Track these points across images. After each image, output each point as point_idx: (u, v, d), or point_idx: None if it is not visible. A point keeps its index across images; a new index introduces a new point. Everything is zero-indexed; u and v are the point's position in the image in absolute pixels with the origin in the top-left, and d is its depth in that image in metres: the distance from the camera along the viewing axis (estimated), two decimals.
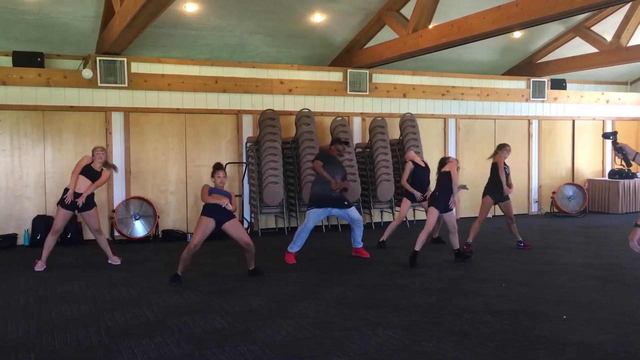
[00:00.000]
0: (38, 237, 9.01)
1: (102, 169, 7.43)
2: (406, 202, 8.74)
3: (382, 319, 5.09)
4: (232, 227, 6.54)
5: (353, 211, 7.71)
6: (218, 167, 6.71)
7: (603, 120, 13.50)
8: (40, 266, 7.28)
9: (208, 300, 5.80)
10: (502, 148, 8.35)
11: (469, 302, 5.61)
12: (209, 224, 6.45)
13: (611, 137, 4.23)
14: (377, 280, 6.61)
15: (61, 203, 7.30)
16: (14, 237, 9.08)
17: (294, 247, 7.65)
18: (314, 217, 7.57)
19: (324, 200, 7.53)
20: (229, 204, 6.47)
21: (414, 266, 7.19)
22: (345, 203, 7.66)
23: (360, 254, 7.94)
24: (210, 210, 6.48)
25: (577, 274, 6.82)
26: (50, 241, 7.35)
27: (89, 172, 7.36)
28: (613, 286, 6.23)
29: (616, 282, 6.39)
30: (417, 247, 7.29)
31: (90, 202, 7.39)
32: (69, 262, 7.84)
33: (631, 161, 3.99)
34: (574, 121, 13.22)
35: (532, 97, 12.66)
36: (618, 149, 4.01)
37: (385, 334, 4.69)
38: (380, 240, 8.61)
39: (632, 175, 12.76)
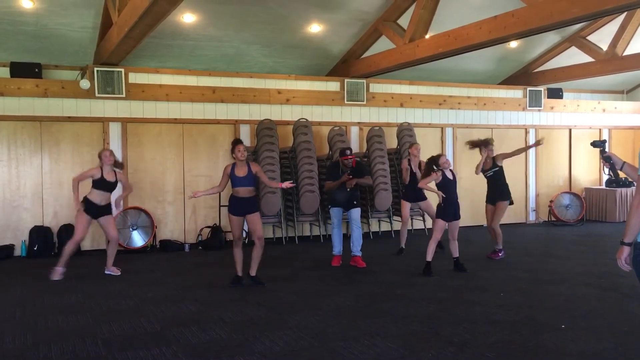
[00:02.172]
0: (35, 248, 9.00)
1: (115, 177, 7.46)
2: (406, 204, 8.91)
3: (381, 329, 5.07)
4: (251, 219, 6.74)
5: (355, 211, 7.99)
6: (238, 141, 6.75)
7: (600, 129, 13.55)
8: (58, 274, 7.34)
9: (206, 310, 5.78)
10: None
11: (468, 312, 5.60)
12: (239, 220, 6.73)
13: (600, 146, 4.24)
14: (375, 290, 6.59)
15: (84, 209, 7.31)
16: (10, 248, 9.05)
17: (334, 250, 8.06)
18: (334, 214, 8.09)
19: (338, 201, 8.01)
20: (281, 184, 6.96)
21: (430, 275, 7.21)
22: (354, 203, 8.00)
23: (357, 263, 7.95)
24: (233, 206, 6.72)
25: (576, 283, 6.81)
26: (72, 249, 7.41)
27: (103, 184, 7.35)
28: (612, 295, 6.23)
29: (615, 291, 6.38)
30: (429, 258, 7.32)
31: (108, 209, 7.51)
32: (66, 273, 7.78)
33: (618, 170, 4.00)
34: (570, 130, 13.26)
35: (529, 106, 12.71)
36: (606, 158, 4.02)
37: (384, 344, 4.68)
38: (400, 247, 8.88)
39: (629, 184, 12.77)
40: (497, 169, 8.30)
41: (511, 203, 8.41)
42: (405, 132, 10.96)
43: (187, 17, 8.62)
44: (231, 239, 10.09)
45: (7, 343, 4.84)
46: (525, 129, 12.75)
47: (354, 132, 11.27)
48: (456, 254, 7.57)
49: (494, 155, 8.37)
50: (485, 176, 8.41)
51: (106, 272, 7.60)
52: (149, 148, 9.87)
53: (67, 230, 9.18)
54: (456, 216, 7.43)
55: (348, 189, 7.85)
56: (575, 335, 4.87)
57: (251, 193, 6.73)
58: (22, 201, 9.22)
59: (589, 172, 13.48)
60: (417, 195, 8.82)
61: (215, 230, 9.87)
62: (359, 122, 11.28)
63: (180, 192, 10.09)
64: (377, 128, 10.81)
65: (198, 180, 10.16)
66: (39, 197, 9.29)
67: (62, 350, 4.64)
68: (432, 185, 7.50)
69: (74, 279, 7.37)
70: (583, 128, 13.36)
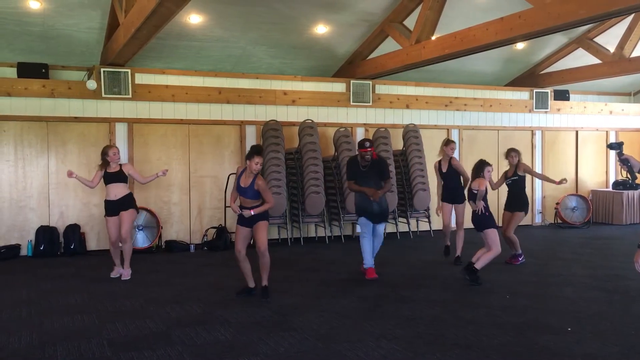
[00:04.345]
0: (41, 248, 9.03)
1: (120, 168, 7.41)
2: (445, 207, 8.30)
3: (386, 331, 5.06)
4: (256, 228, 6.21)
5: (381, 226, 7.41)
6: (257, 151, 6.12)
7: (606, 131, 13.50)
8: (116, 272, 7.49)
9: (211, 311, 5.78)
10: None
11: (473, 314, 5.58)
12: (243, 230, 6.24)
13: (617, 148, 4.20)
14: (380, 291, 6.58)
15: (106, 211, 7.38)
16: (17, 247, 9.08)
17: (365, 263, 7.29)
18: (363, 223, 7.29)
19: (366, 211, 7.24)
20: (249, 211, 6.10)
21: (478, 283, 6.79)
22: (384, 215, 7.35)
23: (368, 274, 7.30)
24: (240, 217, 6.21)
25: (582, 286, 6.78)
26: (113, 250, 7.49)
27: (106, 177, 7.35)
28: (618, 297, 6.19)
29: (621, 294, 6.35)
30: (478, 266, 6.84)
31: (127, 204, 7.37)
32: (72, 273, 7.84)
33: (636, 173, 3.96)
34: (577, 132, 13.22)
35: (535, 108, 12.67)
36: (623, 161, 3.98)
37: (389, 346, 4.66)
38: (456, 255, 8.22)
39: (636, 186, 12.72)
40: (516, 177, 8.12)
41: (525, 213, 8.21)
42: (411, 133, 10.95)
43: (194, 18, 8.64)
44: None
45: (13, 343, 4.85)
46: (532, 130, 12.71)
47: (359, 133, 11.25)
48: (479, 266, 6.92)
49: (518, 163, 8.14)
50: (506, 183, 8.25)
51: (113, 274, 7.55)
52: (154, 148, 9.88)
53: (73, 231, 9.22)
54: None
55: (374, 206, 7.13)
56: (581, 338, 4.84)
57: (255, 203, 6.16)
58: (28, 201, 9.25)
59: (595, 174, 13.43)
60: (454, 197, 8.25)
61: (221, 231, 9.88)
62: (364, 124, 11.27)
63: (186, 193, 10.10)
64: (383, 129, 10.80)
65: (204, 181, 10.18)
66: (45, 197, 9.32)
67: (68, 350, 4.65)
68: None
69: (80, 279, 7.40)
70: (590, 130, 13.31)
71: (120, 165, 7.48)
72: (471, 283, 6.80)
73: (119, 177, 7.39)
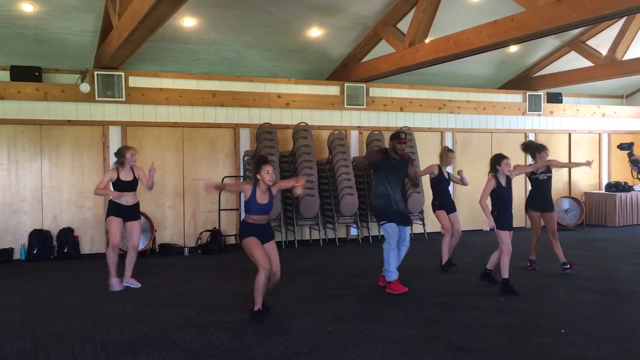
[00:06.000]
0: (34, 252, 9.00)
1: (133, 175, 6.95)
2: (442, 213, 7.91)
3: (380, 334, 5.07)
4: (268, 249, 5.61)
5: (408, 229, 6.83)
6: (263, 160, 5.58)
7: (599, 134, 13.57)
8: (118, 284, 6.87)
9: (206, 315, 5.77)
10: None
11: (467, 316, 5.60)
12: (258, 243, 5.55)
13: (627, 149, 4.21)
14: (375, 294, 6.58)
15: (112, 212, 6.84)
16: (10, 251, 9.04)
17: (392, 275, 6.62)
18: (392, 231, 6.62)
19: (389, 213, 6.64)
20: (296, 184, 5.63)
21: (515, 293, 6.40)
22: (408, 217, 7.00)
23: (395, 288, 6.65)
24: (250, 230, 5.55)
25: (575, 288, 6.81)
26: (112, 256, 6.84)
27: (120, 185, 6.85)
28: (611, 299, 6.22)
29: (614, 296, 6.38)
30: (505, 275, 6.53)
31: (137, 213, 7.06)
32: (65, 277, 7.81)
33: None
34: (570, 134, 13.28)
35: (529, 111, 12.72)
36: (633, 161, 3.99)
37: (383, 349, 4.67)
38: (443, 263, 7.85)
39: (629, 189, 12.79)
40: (550, 174, 7.79)
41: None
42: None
43: (188, 21, 8.64)
44: (232, 243, 10.15)
45: (6, 348, 4.83)
46: (525, 133, 12.76)
47: (353, 136, 11.28)
48: (506, 274, 6.57)
49: (548, 159, 7.83)
50: (538, 179, 7.71)
51: (124, 283, 7.00)
52: (148, 152, 9.83)
53: (66, 234, 9.19)
54: (512, 226, 6.63)
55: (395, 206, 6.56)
56: (574, 340, 4.86)
57: (268, 220, 5.71)
58: (21, 205, 9.21)
59: (588, 176, 13.50)
60: (451, 205, 8.02)
61: (215, 234, 9.86)
62: (358, 126, 11.29)
63: (180, 196, 10.09)
64: (377, 132, 10.82)
65: (198, 184, 10.16)
66: (38, 200, 9.28)
67: (62, 355, 4.63)
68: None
69: (74, 283, 7.37)
70: (582, 132, 13.37)
71: (133, 171, 6.98)
72: (507, 293, 6.43)
73: (133, 186, 6.94)
